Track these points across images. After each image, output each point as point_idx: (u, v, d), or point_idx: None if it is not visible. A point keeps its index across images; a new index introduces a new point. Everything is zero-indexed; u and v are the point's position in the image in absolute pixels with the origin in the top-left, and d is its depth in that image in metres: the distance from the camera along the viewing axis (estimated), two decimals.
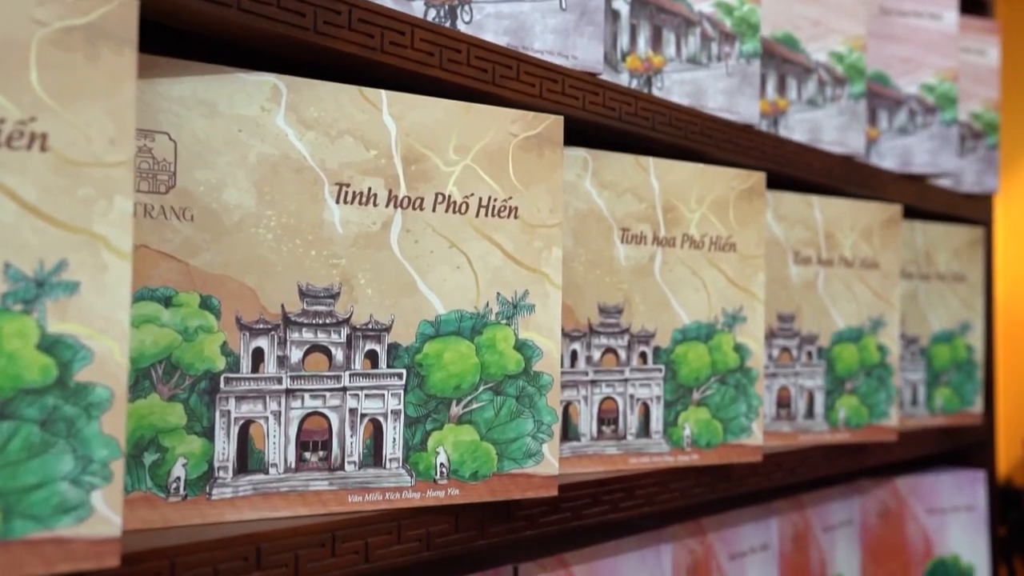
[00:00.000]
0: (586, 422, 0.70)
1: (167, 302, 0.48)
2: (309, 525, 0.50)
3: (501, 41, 0.63)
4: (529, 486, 0.59)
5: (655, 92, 0.77)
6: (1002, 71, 1.27)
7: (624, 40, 0.75)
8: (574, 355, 0.70)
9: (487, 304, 0.58)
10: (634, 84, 0.75)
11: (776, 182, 0.93)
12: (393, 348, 0.55)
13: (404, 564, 0.55)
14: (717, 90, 0.82)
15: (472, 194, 0.57)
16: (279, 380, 0.51)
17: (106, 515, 0.39)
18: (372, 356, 0.54)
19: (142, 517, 0.47)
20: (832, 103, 0.96)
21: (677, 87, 0.79)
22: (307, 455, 0.52)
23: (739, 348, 0.77)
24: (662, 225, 0.73)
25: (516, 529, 0.62)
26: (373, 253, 0.54)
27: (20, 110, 0.38)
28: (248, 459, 0.51)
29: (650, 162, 0.72)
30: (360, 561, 0.52)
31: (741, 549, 0.91)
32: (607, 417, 0.71)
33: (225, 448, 0.50)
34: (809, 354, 0.91)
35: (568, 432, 0.69)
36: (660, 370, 0.73)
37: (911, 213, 1.15)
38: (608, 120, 0.69)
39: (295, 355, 0.52)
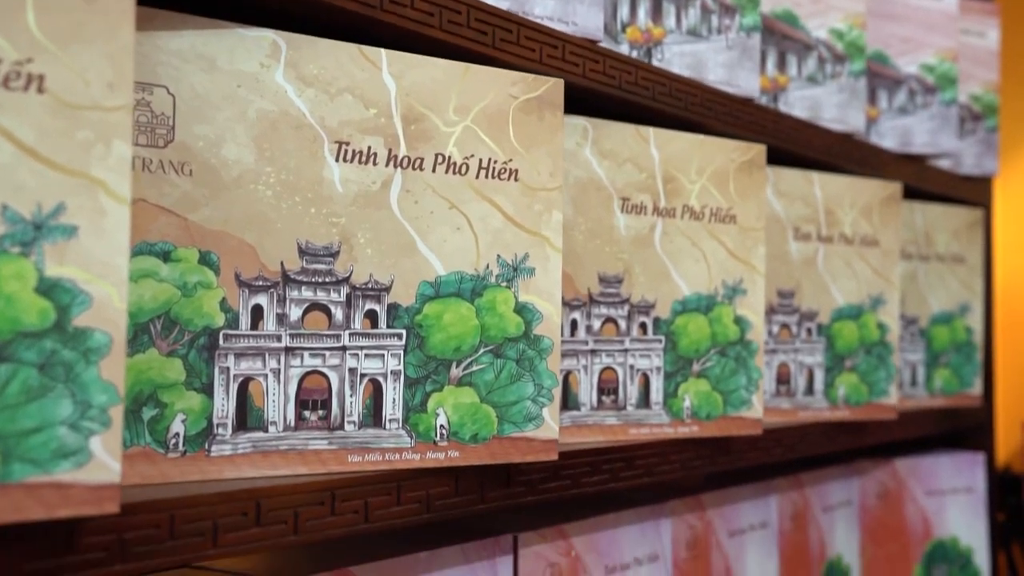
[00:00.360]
0: (586, 392, 0.70)
1: (166, 257, 0.48)
2: (309, 483, 0.50)
3: (502, 5, 0.63)
4: (529, 450, 0.59)
5: (655, 64, 0.77)
6: (1002, 55, 1.27)
7: (624, 11, 0.75)
8: (574, 324, 0.69)
9: (487, 266, 0.57)
10: (634, 55, 0.75)
11: (776, 158, 0.93)
12: (393, 308, 0.54)
13: (404, 525, 0.54)
14: (717, 63, 0.81)
15: (472, 155, 0.57)
16: (278, 338, 0.51)
17: (105, 461, 0.39)
18: (372, 316, 0.54)
19: (141, 472, 0.47)
20: (832, 80, 0.96)
21: (677, 59, 0.79)
22: (307, 414, 0.52)
23: (739, 320, 0.77)
24: (662, 195, 0.73)
25: (516, 495, 0.61)
26: (373, 212, 0.54)
27: (17, 51, 0.37)
28: (247, 416, 0.50)
29: (650, 132, 0.72)
30: (360, 521, 0.52)
31: (740, 526, 0.91)
32: (607, 387, 0.71)
33: (224, 405, 0.49)
34: (809, 331, 0.91)
35: (568, 402, 0.69)
36: (660, 341, 0.73)
37: (911, 194, 1.15)
38: (608, 88, 0.69)
39: (294, 313, 0.52)
